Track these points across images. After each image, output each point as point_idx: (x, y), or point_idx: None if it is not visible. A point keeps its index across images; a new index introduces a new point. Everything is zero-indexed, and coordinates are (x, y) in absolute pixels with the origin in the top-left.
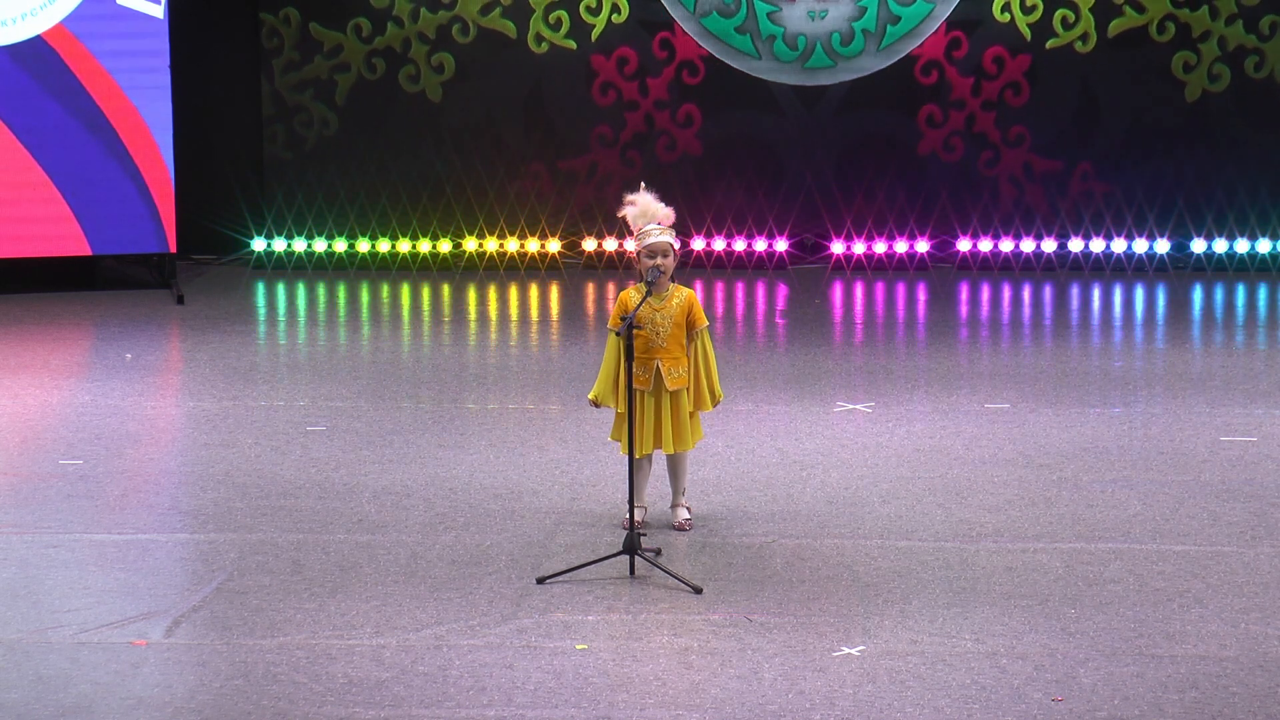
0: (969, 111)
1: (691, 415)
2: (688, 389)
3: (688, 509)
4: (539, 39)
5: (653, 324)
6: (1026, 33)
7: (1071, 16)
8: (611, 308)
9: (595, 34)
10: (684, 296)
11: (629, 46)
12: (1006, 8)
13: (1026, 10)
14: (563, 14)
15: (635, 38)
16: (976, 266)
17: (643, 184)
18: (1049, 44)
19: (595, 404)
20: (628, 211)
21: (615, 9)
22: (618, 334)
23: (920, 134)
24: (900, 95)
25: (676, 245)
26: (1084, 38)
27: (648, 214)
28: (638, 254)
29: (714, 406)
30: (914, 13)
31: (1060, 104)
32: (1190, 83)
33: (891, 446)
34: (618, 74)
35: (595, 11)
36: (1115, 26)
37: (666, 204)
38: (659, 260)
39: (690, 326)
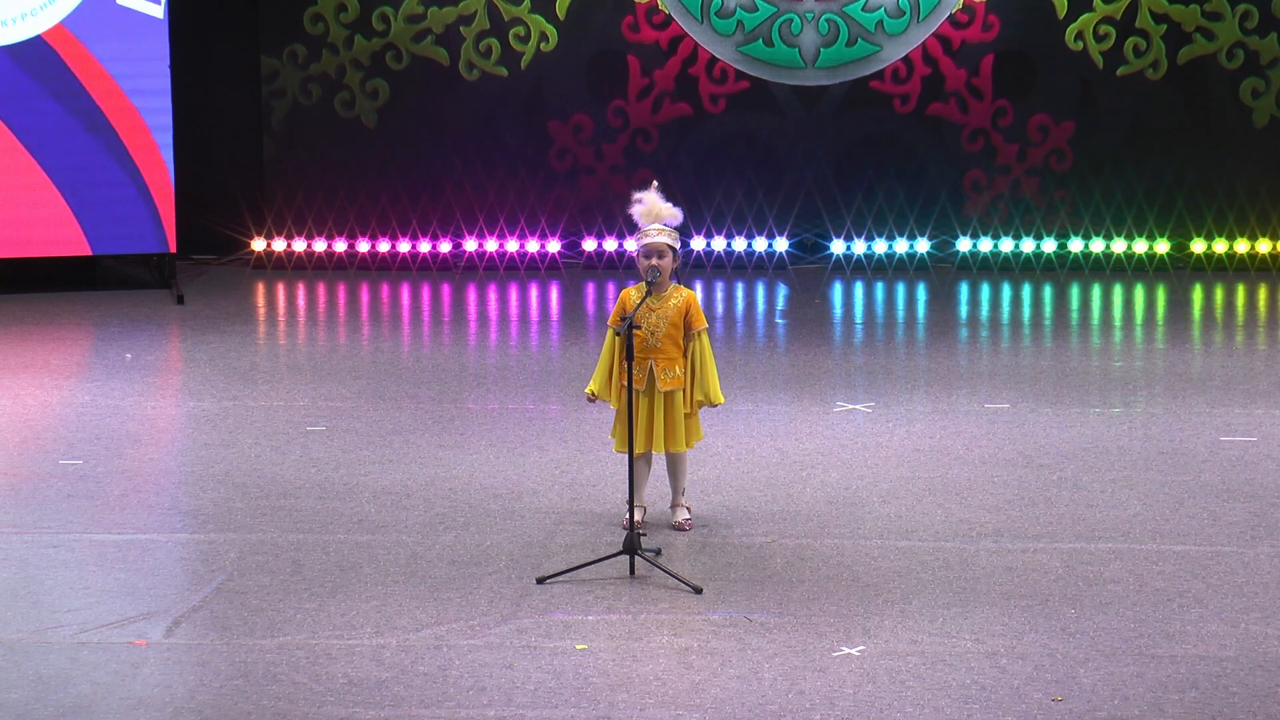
0: (1014, 176)
1: (689, 416)
2: (684, 390)
3: (688, 509)
4: (470, 66)
5: (648, 324)
6: (1099, 60)
7: (1143, 44)
8: (612, 307)
9: (525, 61)
10: (683, 297)
11: (584, 114)
12: (1080, 36)
13: (1099, 39)
14: (493, 42)
15: (590, 106)
16: (976, 266)
17: (655, 183)
18: (1120, 71)
19: (591, 398)
20: (635, 209)
21: (544, 37)
22: (617, 333)
23: (965, 198)
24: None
25: (676, 245)
26: (1154, 65)
27: (653, 213)
28: (639, 253)
29: (699, 409)
30: (783, 53)
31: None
32: (1258, 109)
33: (891, 446)
34: (573, 140)
35: (524, 40)
36: (1185, 54)
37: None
38: (654, 260)
39: (688, 328)
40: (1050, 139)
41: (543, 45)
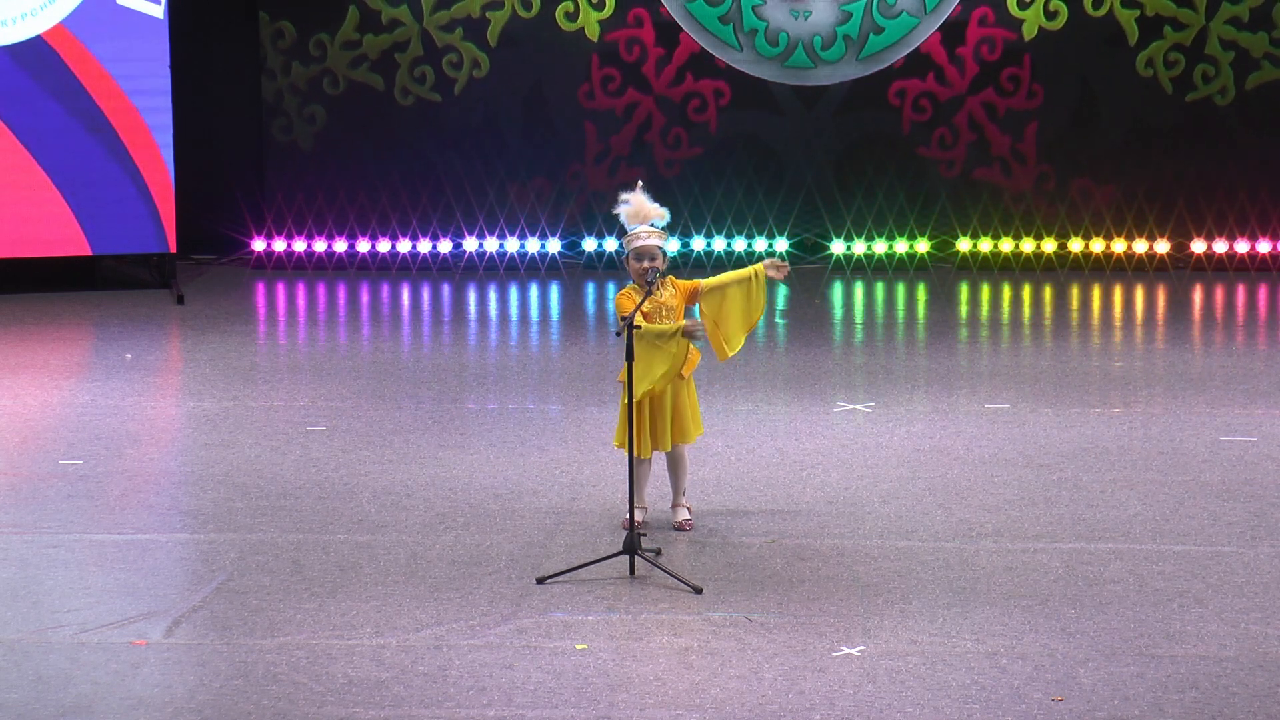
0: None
1: (692, 405)
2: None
3: (688, 509)
4: (405, 92)
5: (659, 319)
6: (1168, 87)
7: (1211, 71)
8: (610, 307)
9: (459, 88)
10: (674, 283)
11: (543, 177)
12: (1150, 63)
13: (1169, 65)
14: (427, 69)
15: (544, 165)
16: (976, 266)
17: (640, 183)
18: (1189, 97)
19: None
20: (621, 210)
21: (476, 64)
22: (617, 333)
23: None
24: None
25: (665, 245)
26: (1222, 91)
27: (640, 213)
28: (626, 256)
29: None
30: (898, 25)
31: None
32: None
33: (891, 446)
34: (535, 201)
35: (457, 66)
36: (1253, 80)
37: (662, 204)
38: (646, 264)
39: (694, 296)
40: (1092, 203)
41: (475, 72)
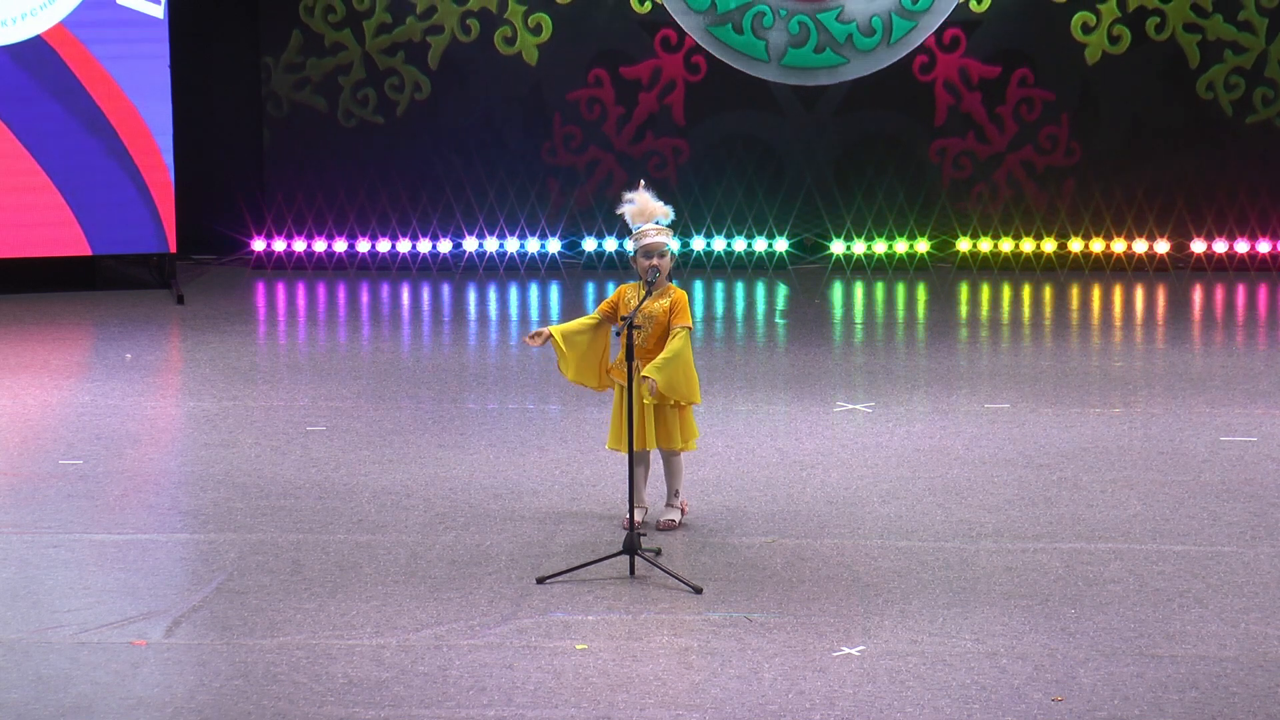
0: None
1: (682, 417)
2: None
3: (681, 509)
4: (348, 114)
5: (646, 327)
6: (1228, 109)
7: (1270, 94)
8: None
9: (400, 109)
10: (670, 297)
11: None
12: (1210, 86)
13: (1229, 89)
14: (370, 92)
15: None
16: (977, 266)
17: (642, 181)
18: (1248, 120)
19: (538, 339)
20: (626, 209)
21: (417, 87)
22: (616, 332)
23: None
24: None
25: (673, 244)
26: None
27: (645, 212)
28: (634, 254)
29: (675, 405)
30: None
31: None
32: None
33: (891, 446)
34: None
35: (400, 89)
36: None
37: (665, 203)
38: (654, 260)
39: (665, 333)
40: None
41: (416, 95)
